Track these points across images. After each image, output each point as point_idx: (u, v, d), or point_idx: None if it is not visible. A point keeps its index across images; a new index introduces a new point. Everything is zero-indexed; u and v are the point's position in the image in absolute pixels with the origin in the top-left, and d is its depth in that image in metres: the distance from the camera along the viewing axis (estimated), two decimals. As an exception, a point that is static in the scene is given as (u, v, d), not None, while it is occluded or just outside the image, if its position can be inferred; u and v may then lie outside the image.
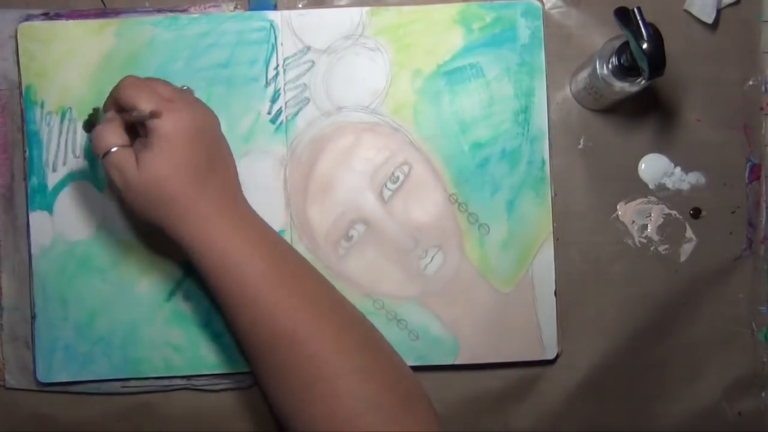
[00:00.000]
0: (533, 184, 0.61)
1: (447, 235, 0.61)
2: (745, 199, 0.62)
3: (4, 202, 0.62)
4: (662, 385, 0.62)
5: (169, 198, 0.51)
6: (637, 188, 0.62)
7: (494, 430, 0.62)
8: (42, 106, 0.60)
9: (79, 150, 0.61)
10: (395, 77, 0.61)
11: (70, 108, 0.60)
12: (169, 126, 0.50)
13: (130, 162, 0.51)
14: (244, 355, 0.55)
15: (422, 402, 0.52)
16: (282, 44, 0.61)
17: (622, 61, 0.54)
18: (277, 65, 0.61)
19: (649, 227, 0.62)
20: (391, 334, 0.60)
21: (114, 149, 0.51)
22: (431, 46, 0.61)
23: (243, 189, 0.60)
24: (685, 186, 0.62)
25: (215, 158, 0.53)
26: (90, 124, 0.54)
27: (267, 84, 0.61)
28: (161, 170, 0.50)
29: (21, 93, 0.61)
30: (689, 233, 0.62)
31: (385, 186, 0.61)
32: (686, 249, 0.62)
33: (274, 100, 0.61)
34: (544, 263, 0.61)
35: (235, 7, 0.62)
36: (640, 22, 0.51)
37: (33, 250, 0.60)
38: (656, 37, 0.51)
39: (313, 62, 0.61)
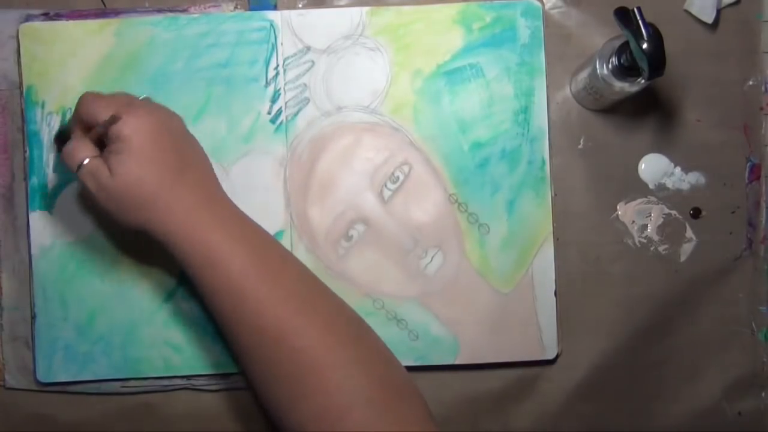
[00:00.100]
0: (533, 184, 0.61)
1: (447, 235, 0.61)
2: (745, 199, 0.62)
3: (4, 202, 0.62)
4: (662, 385, 0.62)
5: (146, 198, 0.51)
6: (637, 188, 0.62)
7: (494, 430, 0.62)
8: (42, 107, 0.61)
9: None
10: (395, 77, 0.61)
11: (71, 108, 0.60)
12: (131, 127, 0.50)
13: (103, 170, 0.51)
14: (232, 353, 0.55)
15: (413, 395, 0.51)
16: (282, 44, 0.61)
17: (622, 61, 0.54)
18: (277, 65, 0.61)
19: (649, 227, 0.62)
20: (391, 334, 0.60)
21: (86, 161, 0.52)
22: (431, 46, 0.61)
23: (243, 189, 0.61)
24: (685, 186, 0.62)
25: (186, 155, 0.53)
26: (61, 141, 0.55)
27: (267, 84, 0.61)
28: (133, 172, 0.50)
29: (21, 93, 0.61)
30: (689, 233, 0.62)
31: (385, 186, 0.61)
32: (686, 249, 0.62)
33: (274, 100, 0.61)
34: (544, 263, 0.61)
35: (235, 7, 0.62)
36: (640, 22, 0.51)
37: (33, 250, 0.60)
38: (656, 37, 0.51)
39: (313, 62, 0.61)
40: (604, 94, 0.58)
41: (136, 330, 0.60)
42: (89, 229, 0.61)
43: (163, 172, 0.51)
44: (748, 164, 0.62)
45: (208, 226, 0.51)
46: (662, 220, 0.62)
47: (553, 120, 0.62)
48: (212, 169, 0.56)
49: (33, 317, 0.60)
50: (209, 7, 0.62)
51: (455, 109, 0.61)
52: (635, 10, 0.51)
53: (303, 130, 0.61)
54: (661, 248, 0.62)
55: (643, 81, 0.54)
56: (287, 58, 0.61)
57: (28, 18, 0.61)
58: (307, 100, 0.61)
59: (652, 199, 0.62)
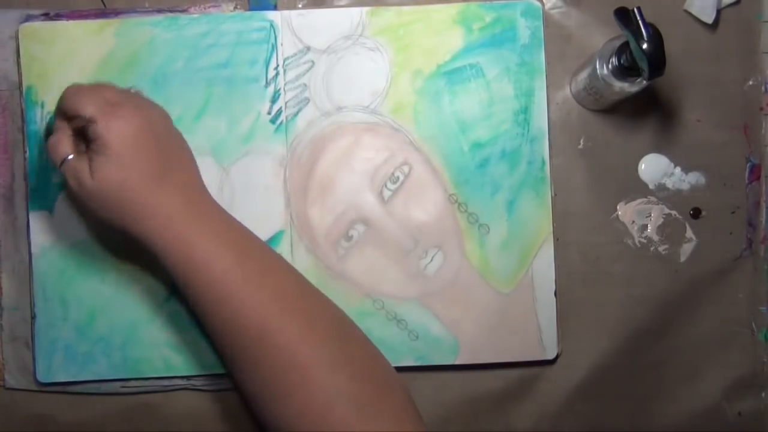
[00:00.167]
0: (533, 184, 0.61)
1: (447, 236, 0.61)
2: (745, 199, 0.62)
3: (4, 202, 0.62)
4: (662, 385, 0.62)
5: (127, 201, 0.51)
6: (637, 188, 0.62)
7: (494, 430, 0.62)
8: (42, 107, 0.61)
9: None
10: (395, 77, 0.61)
11: (70, 108, 0.60)
12: (114, 131, 0.50)
13: (84, 169, 0.51)
14: (217, 352, 0.55)
15: (398, 391, 0.51)
16: (282, 44, 0.61)
17: (622, 61, 0.54)
18: (277, 65, 0.61)
19: (649, 227, 0.62)
20: (391, 334, 0.60)
21: (69, 157, 0.52)
22: (431, 46, 0.61)
23: (243, 189, 0.61)
24: (685, 186, 0.62)
25: (170, 156, 0.53)
26: (49, 135, 0.54)
27: (267, 84, 0.61)
28: (113, 175, 0.50)
29: (21, 93, 0.61)
30: (689, 233, 0.62)
31: (385, 186, 0.61)
32: (686, 249, 0.62)
33: (274, 100, 0.61)
34: (544, 263, 0.61)
35: (235, 7, 0.62)
36: (640, 22, 0.51)
37: (33, 250, 0.60)
38: (656, 37, 0.51)
39: (313, 62, 0.61)
40: (604, 94, 0.58)
41: (136, 330, 0.60)
42: (89, 230, 0.61)
43: (145, 175, 0.51)
44: (748, 164, 0.62)
45: (189, 228, 0.51)
46: (662, 220, 0.62)
47: (553, 120, 0.62)
48: (196, 169, 0.56)
49: (33, 317, 0.60)
50: (209, 7, 0.62)
51: (455, 109, 0.61)
52: (635, 10, 0.51)
53: (303, 130, 0.61)
54: (661, 248, 0.62)
55: (643, 81, 0.54)
56: (287, 58, 0.61)
57: (28, 18, 0.61)
58: (307, 100, 0.61)
59: (652, 199, 0.62)
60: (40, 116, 0.60)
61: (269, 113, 0.61)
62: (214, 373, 0.61)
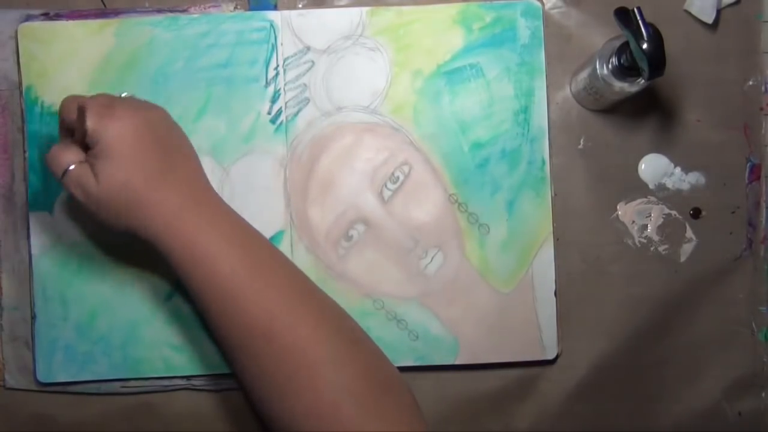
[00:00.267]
0: (533, 184, 0.61)
1: (447, 236, 0.61)
2: (745, 199, 0.62)
3: (4, 202, 0.62)
4: (662, 385, 0.62)
5: (132, 202, 0.51)
6: (637, 188, 0.62)
7: (494, 430, 0.62)
8: (42, 107, 0.60)
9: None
10: (395, 77, 0.61)
11: (70, 108, 0.60)
12: (111, 132, 0.50)
13: (88, 175, 0.51)
14: (223, 352, 0.55)
15: (402, 391, 0.51)
16: (282, 44, 0.61)
17: (622, 61, 0.54)
18: (277, 65, 0.61)
19: (649, 227, 0.62)
20: (391, 334, 0.60)
21: (71, 167, 0.51)
22: (431, 46, 0.61)
23: (243, 189, 0.61)
24: (685, 186, 0.62)
25: (172, 153, 0.53)
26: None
27: (267, 84, 0.61)
28: (117, 176, 0.50)
29: (21, 93, 0.61)
30: (689, 233, 0.62)
31: (385, 186, 0.61)
32: (686, 249, 0.62)
33: (274, 100, 0.61)
34: (544, 263, 0.61)
35: (235, 7, 0.62)
36: (640, 22, 0.51)
37: (33, 250, 0.60)
38: (656, 37, 0.51)
39: (313, 62, 0.61)
40: (604, 94, 0.58)
41: (136, 330, 0.60)
42: (89, 229, 0.61)
43: (148, 174, 0.51)
44: (748, 164, 0.62)
45: (195, 226, 0.51)
46: (662, 220, 0.62)
47: (553, 120, 0.62)
48: (200, 165, 0.55)
49: (33, 317, 0.60)
50: (209, 7, 0.62)
51: (455, 109, 0.61)
52: (635, 10, 0.51)
53: (303, 130, 0.61)
54: (661, 248, 0.62)
55: (643, 81, 0.54)
56: (287, 58, 0.61)
57: (28, 18, 0.61)
58: (307, 100, 0.61)
59: (652, 199, 0.62)
60: (40, 116, 0.60)
61: (269, 113, 0.61)
62: (214, 373, 0.61)
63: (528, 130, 0.61)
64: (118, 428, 0.62)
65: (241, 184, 0.60)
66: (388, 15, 0.61)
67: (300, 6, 0.62)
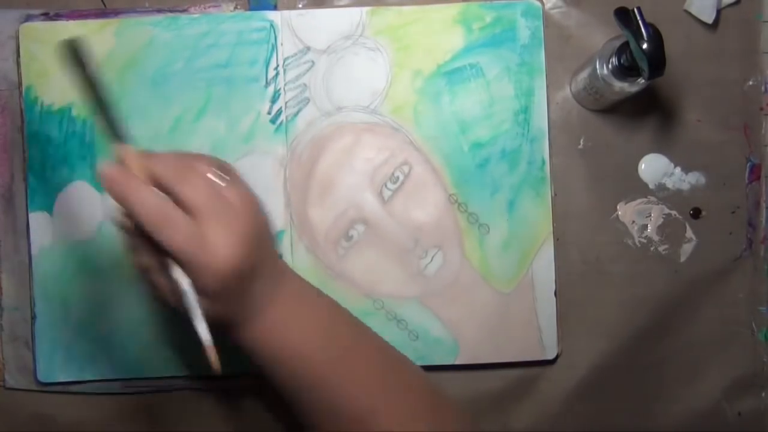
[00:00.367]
0: (533, 184, 0.61)
1: (447, 236, 0.61)
2: (745, 199, 0.62)
3: (4, 203, 0.62)
4: (662, 385, 0.62)
5: (230, 282, 0.45)
6: (637, 188, 0.62)
7: (494, 430, 0.62)
8: (42, 107, 0.60)
9: (79, 150, 0.61)
10: (395, 77, 0.61)
11: (70, 108, 0.60)
12: (236, 193, 0.45)
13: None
14: None
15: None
16: (282, 44, 0.61)
17: (622, 61, 0.54)
18: (277, 65, 0.61)
19: (649, 227, 0.62)
20: (391, 334, 0.60)
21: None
22: (431, 46, 0.61)
23: (243, 189, 0.60)
24: (685, 186, 0.62)
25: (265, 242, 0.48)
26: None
27: (267, 84, 0.61)
28: (228, 245, 0.44)
29: (21, 93, 0.61)
30: (689, 233, 0.62)
31: (385, 186, 0.61)
32: (686, 249, 0.62)
33: (274, 100, 0.61)
34: (544, 263, 0.61)
35: (235, 7, 0.62)
36: (640, 22, 0.51)
37: (33, 251, 0.60)
38: (656, 37, 0.51)
39: (313, 62, 0.61)
40: (604, 94, 0.58)
41: (136, 330, 0.61)
42: (89, 230, 0.61)
43: (252, 259, 0.45)
44: (748, 164, 0.62)
45: (281, 321, 0.47)
46: (662, 220, 0.62)
47: (553, 120, 0.62)
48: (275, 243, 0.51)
49: (33, 317, 0.60)
50: (209, 7, 0.62)
51: (455, 109, 0.61)
52: (635, 10, 0.51)
53: (303, 130, 0.61)
54: (661, 248, 0.62)
55: (643, 81, 0.54)
56: (287, 58, 0.61)
57: (28, 18, 0.61)
58: (307, 100, 0.61)
59: (652, 199, 0.62)
60: (40, 116, 0.60)
61: (269, 113, 0.61)
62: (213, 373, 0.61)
63: (528, 130, 0.61)
64: (118, 428, 0.62)
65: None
66: (389, 15, 0.61)
67: (300, 6, 0.62)
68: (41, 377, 0.61)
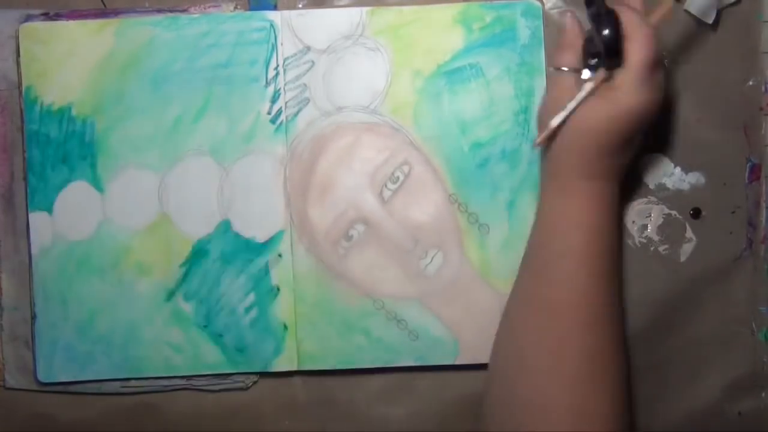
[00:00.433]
0: (533, 184, 0.61)
1: (447, 236, 0.61)
2: (745, 199, 0.62)
3: (3, 202, 0.62)
4: (662, 385, 0.62)
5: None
6: (637, 188, 0.62)
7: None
8: (42, 107, 0.60)
9: (79, 150, 0.61)
10: (395, 77, 0.61)
11: (70, 108, 0.60)
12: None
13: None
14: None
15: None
16: (282, 44, 0.61)
17: (589, 48, 0.54)
18: (277, 65, 0.61)
19: (649, 227, 0.62)
20: (391, 334, 0.60)
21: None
22: (431, 46, 0.61)
23: (243, 189, 0.61)
24: (685, 186, 0.62)
25: None
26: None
27: (267, 84, 0.61)
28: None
29: (21, 93, 0.61)
30: (689, 233, 0.62)
31: (385, 186, 0.61)
32: (686, 249, 0.62)
33: (274, 100, 0.61)
34: (544, 263, 0.61)
35: (235, 7, 0.62)
36: (599, 7, 0.51)
37: (33, 250, 0.60)
38: (612, 21, 0.50)
39: (313, 62, 0.61)
40: None
41: (136, 330, 0.61)
42: (89, 229, 0.61)
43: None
44: (748, 164, 0.62)
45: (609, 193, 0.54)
46: (662, 220, 0.62)
47: (553, 120, 0.62)
48: None
49: (33, 317, 0.60)
50: (209, 7, 0.62)
51: (455, 109, 0.61)
52: None
53: (303, 130, 0.61)
54: (661, 248, 0.62)
55: (603, 70, 0.52)
56: (287, 58, 0.61)
57: (28, 18, 0.61)
58: (307, 100, 0.61)
59: (652, 199, 0.62)
60: (40, 116, 0.60)
61: (269, 113, 0.61)
62: (214, 373, 0.61)
63: (528, 130, 0.61)
64: (118, 428, 0.62)
65: (241, 184, 0.60)
66: (388, 15, 0.61)
67: (300, 6, 0.62)
68: (41, 377, 0.61)
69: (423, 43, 0.61)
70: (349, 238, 0.61)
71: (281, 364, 0.61)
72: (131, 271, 0.61)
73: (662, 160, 0.62)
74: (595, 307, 0.52)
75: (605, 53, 0.51)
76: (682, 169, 0.62)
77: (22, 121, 0.61)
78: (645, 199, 0.62)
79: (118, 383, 0.61)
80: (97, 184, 0.61)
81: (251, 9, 0.62)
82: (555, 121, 0.51)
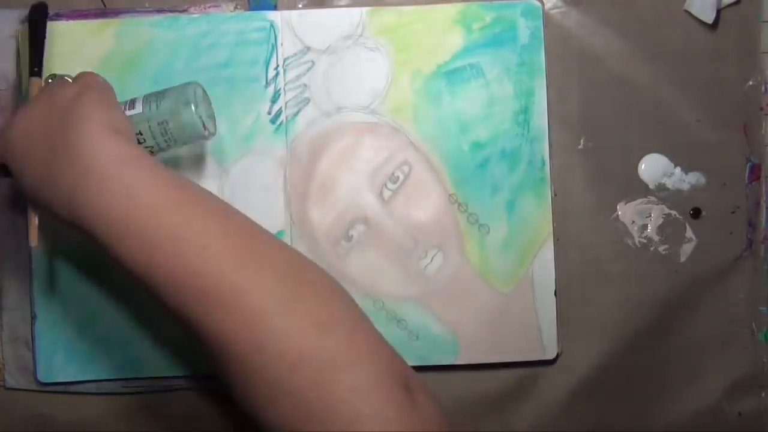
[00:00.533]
0: (533, 184, 0.61)
1: (447, 236, 0.61)
2: (745, 199, 0.62)
3: (3, 203, 0.62)
4: (662, 385, 0.62)
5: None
6: (637, 188, 0.62)
7: (494, 430, 0.62)
8: (42, 106, 0.60)
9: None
10: (395, 77, 0.61)
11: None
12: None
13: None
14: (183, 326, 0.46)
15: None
16: (282, 44, 0.61)
17: None
18: (277, 65, 0.61)
19: (649, 227, 0.62)
20: (391, 334, 0.60)
21: None
22: (431, 46, 0.61)
23: (243, 189, 0.60)
24: (685, 186, 0.62)
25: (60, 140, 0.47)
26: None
27: (267, 84, 0.61)
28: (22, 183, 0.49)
29: (21, 93, 0.61)
30: (689, 233, 0.62)
31: (385, 186, 0.61)
32: (686, 249, 0.62)
33: (274, 101, 0.61)
34: (544, 263, 0.61)
35: (235, 7, 0.62)
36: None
37: (33, 251, 0.60)
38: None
39: (313, 62, 0.61)
40: None
41: (136, 330, 0.61)
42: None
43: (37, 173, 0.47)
44: (748, 164, 0.62)
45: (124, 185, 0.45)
46: (662, 220, 0.62)
47: (553, 120, 0.62)
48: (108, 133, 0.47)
49: (33, 317, 0.60)
50: (209, 7, 0.62)
51: (455, 109, 0.61)
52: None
53: (303, 130, 0.61)
54: (661, 248, 0.62)
55: None
56: (287, 58, 0.61)
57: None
58: (307, 101, 0.61)
59: (652, 199, 0.62)
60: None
61: (269, 113, 0.61)
62: (214, 373, 0.61)
63: (528, 131, 0.61)
64: (118, 428, 0.62)
65: (241, 184, 0.60)
66: (388, 15, 0.61)
67: (300, 6, 0.62)
68: (41, 377, 0.61)
69: (423, 43, 0.61)
70: (349, 238, 0.61)
71: (281, 364, 0.61)
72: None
73: (662, 160, 0.62)
74: None
75: None
76: (682, 169, 0.62)
77: (22, 121, 0.61)
78: (645, 199, 0.62)
79: (117, 383, 0.61)
80: (97, 184, 0.61)
81: (251, 9, 0.62)
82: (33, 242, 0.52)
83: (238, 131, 0.61)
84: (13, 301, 0.62)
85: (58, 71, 0.60)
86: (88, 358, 0.60)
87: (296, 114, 0.61)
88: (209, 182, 0.60)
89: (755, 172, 0.62)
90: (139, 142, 0.52)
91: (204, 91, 0.54)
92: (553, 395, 0.62)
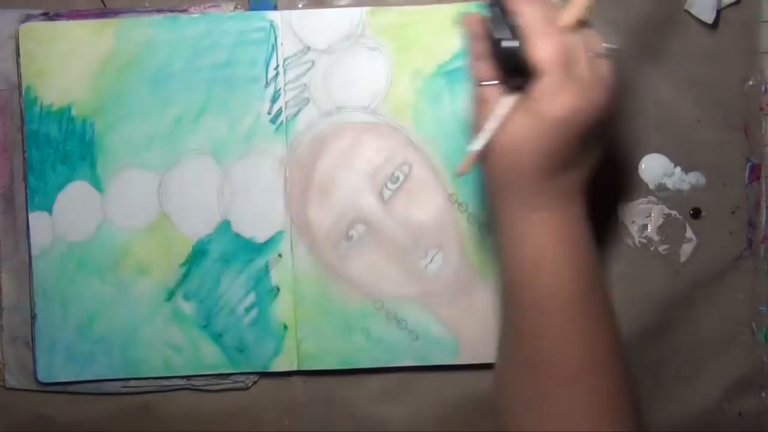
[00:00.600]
0: (533, 184, 0.61)
1: (447, 236, 0.61)
2: (745, 199, 0.62)
3: (3, 203, 0.62)
4: (662, 385, 0.62)
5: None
6: (638, 188, 0.62)
7: (494, 430, 0.62)
8: (41, 107, 0.60)
9: (79, 150, 0.61)
10: (395, 77, 0.61)
11: (70, 108, 0.60)
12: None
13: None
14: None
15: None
16: (282, 44, 0.61)
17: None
18: (277, 65, 0.61)
19: (649, 227, 0.62)
20: (391, 334, 0.60)
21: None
22: (431, 46, 0.61)
23: (243, 189, 0.61)
24: (685, 186, 0.62)
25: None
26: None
27: (267, 84, 0.61)
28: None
29: (21, 93, 0.61)
30: (689, 233, 0.62)
31: (385, 186, 0.61)
32: (686, 249, 0.62)
33: (274, 101, 0.61)
34: (544, 263, 0.61)
35: (235, 7, 0.62)
36: (495, 11, 0.45)
37: (33, 251, 0.60)
38: (505, 28, 0.44)
39: (313, 62, 0.61)
40: None
41: (136, 330, 0.61)
42: (89, 229, 0.61)
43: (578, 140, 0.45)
44: (748, 164, 0.62)
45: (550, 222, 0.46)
46: (662, 220, 0.62)
47: (553, 120, 0.62)
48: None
49: (33, 317, 0.60)
50: (209, 7, 0.62)
51: (455, 109, 0.61)
52: None
53: (303, 130, 0.61)
54: (661, 248, 0.62)
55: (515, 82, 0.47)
56: (287, 58, 0.61)
57: (28, 18, 0.61)
58: (307, 100, 0.61)
59: (652, 199, 0.62)
60: (39, 116, 0.60)
61: (269, 113, 0.61)
62: (214, 373, 0.61)
63: (528, 130, 0.61)
64: (118, 428, 0.62)
65: (241, 184, 0.60)
66: (389, 15, 0.61)
67: (300, 6, 0.62)
68: (41, 377, 0.61)
69: (423, 43, 0.61)
70: (349, 238, 0.61)
71: (281, 364, 0.61)
72: (131, 271, 0.61)
73: (662, 160, 0.62)
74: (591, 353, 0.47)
75: (506, 66, 0.44)
76: (682, 169, 0.62)
77: (22, 122, 0.61)
78: (645, 199, 0.62)
79: (118, 383, 0.61)
80: (97, 185, 0.61)
81: (251, 9, 0.62)
82: (475, 146, 0.44)
83: (238, 131, 0.61)
84: (13, 301, 0.62)
85: (58, 71, 0.60)
86: (88, 358, 0.60)
87: (296, 114, 0.61)
88: (209, 182, 0.60)
89: (755, 172, 0.62)
90: None
91: None
92: (553, 395, 0.62)
